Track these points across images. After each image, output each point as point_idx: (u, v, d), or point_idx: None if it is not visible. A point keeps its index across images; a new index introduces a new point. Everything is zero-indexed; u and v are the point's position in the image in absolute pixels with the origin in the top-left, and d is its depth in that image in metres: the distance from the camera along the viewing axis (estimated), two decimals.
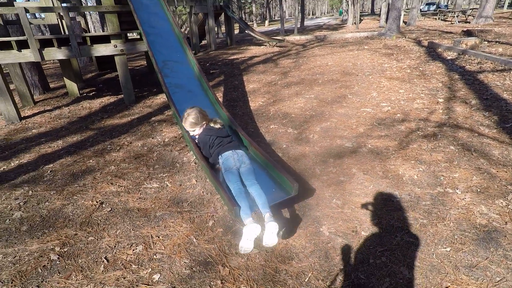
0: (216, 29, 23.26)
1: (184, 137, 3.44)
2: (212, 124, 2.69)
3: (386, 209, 2.37)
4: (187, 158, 3.46)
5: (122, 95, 6.06)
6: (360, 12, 30.26)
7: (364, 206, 2.43)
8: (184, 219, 2.46)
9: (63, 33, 6.86)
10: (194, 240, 2.22)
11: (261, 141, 3.76)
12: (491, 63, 5.72)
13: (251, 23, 39.01)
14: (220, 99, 5.65)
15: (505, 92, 4.30)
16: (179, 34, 4.56)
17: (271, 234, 1.93)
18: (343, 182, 2.77)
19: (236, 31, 23.12)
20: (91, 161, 3.57)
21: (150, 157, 3.59)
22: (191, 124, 2.67)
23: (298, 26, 20.68)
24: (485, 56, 6.11)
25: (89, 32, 10.50)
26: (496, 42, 7.94)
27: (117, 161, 3.55)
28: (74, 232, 2.36)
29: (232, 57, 9.92)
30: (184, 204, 2.67)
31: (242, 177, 2.33)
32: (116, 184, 3.04)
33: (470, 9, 18.56)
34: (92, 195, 2.86)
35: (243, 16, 37.95)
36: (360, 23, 20.90)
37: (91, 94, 6.89)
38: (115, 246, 2.20)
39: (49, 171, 3.36)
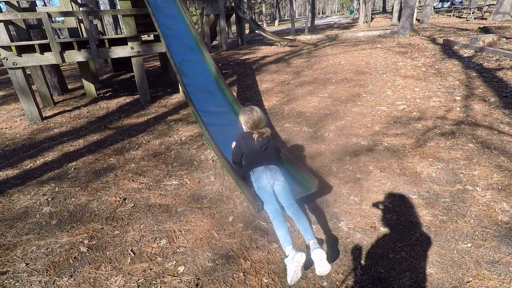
0: (227, 29, 23.42)
1: (204, 135, 3.52)
2: (256, 136, 2.22)
3: (405, 205, 2.38)
4: (205, 156, 3.54)
5: (138, 95, 6.20)
6: (372, 10, 29.92)
7: (382, 202, 2.45)
8: (205, 214, 2.54)
9: (81, 36, 7.07)
10: (215, 234, 2.29)
11: (277, 139, 3.80)
12: (510, 60, 5.60)
13: (261, 23, 39.08)
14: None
15: None
16: (195, 35, 4.65)
17: (321, 262, 1.72)
18: (360, 179, 2.79)
19: (247, 31, 23.20)
20: (111, 159, 3.69)
21: (168, 155, 3.68)
22: (251, 123, 2.21)
23: (309, 25, 20.61)
24: (503, 53, 5.98)
25: (105, 34, 10.76)
26: None
27: (136, 159, 3.66)
28: (101, 226, 2.46)
29: (243, 57, 9.99)
30: (203, 200, 2.74)
31: (277, 197, 2.09)
32: (137, 181, 3.15)
33: (487, 5, 18.11)
34: (115, 192, 2.96)
35: (253, 16, 38.06)
36: (371, 21, 20.68)
37: (107, 94, 7.08)
38: (140, 240, 2.28)
39: (72, 169, 3.49)
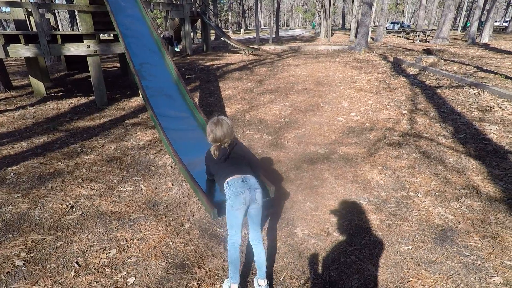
0: (192, 34, 23.13)
1: (162, 140, 3.41)
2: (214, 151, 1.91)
3: (356, 211, 2.52)
4: (163, 162, 3.44)
5: (94, 97, 5.85)
6: (332, 26, 31.64)
7: (336, 209, 2.57)
8: (160, 222, 2.45)
9: (30, 30, 6.52)
10: (170, 242, 2.22)
11: None
12: (448, 80, 6.27)
13: (226, 30, 39.25)
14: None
15: (459, 106, 4.73)
16: (157, 37, 4.53)
17: None
18: (316, 186, 2.90)
19: (212, 38, 23.16)
20: (59, 163, 3.42)
21: (124, 160, 3.51)
22: (212, 137, 1.90)
23: (273, 36, 21.18)
24: (442, 73, 6.68)
25: (58, 30, 10.04)
26: (452, 61, 8.69)
27: (88, 163, 3.44)
28: (42, 237, 2.26)
29: (208, 63, 9.94)
30: (159, 207, 2.65)
31: (248, 218, 1.85)
32: (87, 187, 2.95)
33: (429, 30, 20.12)
34: (61, 198, 2.75)
35: (219, 24, 38.15)
36: (331, 36, 21.85)
37: (59, 94, 6.58)
38: (87, 250, 2.14)
39: (12, 174, 3.17)
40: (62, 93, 6.74)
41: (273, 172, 3.18)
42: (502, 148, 3.36)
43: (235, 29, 46.13)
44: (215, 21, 24.64)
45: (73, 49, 5.04)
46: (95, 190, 2.89)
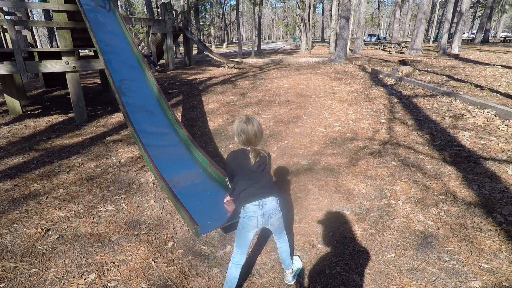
0: (174, 49, 23.19)
1: (143, 157, 3.35)
2: (250, 156, 1.71)
3: (340, 221, 2.55)
4: (145, 179, 3.37)
5: (73, 114, 5.71)
6: (312, 39, 32.57)
7: (320, 220, 2.59)
8: (142, 242, 2.38)
9: (5, 47, 6.35)
10: (153, 263, 2.15)
11: (221, 160, 3.81)
12: (422, 89, 6.55)
13: (209, 44, 39.63)
14: (179, 119, 5.62)
15: (433, 114, 4.93)
16: (137, 53, 4.52)
17: (289, 277, 1.96)
18: (300, 198, 2.92)
19: (195, 52, 23.31)
20: (35, 184, 3.29)
21: (104, 179, 3.42)
22: (245, 137, 1.70)
23: (255, 49, 21.54)
24: (417, 83, 6.97)
25: (36, 46, 9.83)
26: (425, 71, 9.11)
27: (66, 183, 3.32)
28: (14, 265, 2.14)
29: (190, 77, 9.96)
30: (141, 226, 2.58)
31: (270, 228, 1.82)
32: (65, 208, 2.84)
33: (404, 41, 21.09)
34: (36, 222, 2.63)
35: (202, 38, 38.50)
36: (312, 48, 22.46)
37: (36, 112, 6.39)
38: (63, 277, 2.04)
39: None
40: (39, 110, 6.55)
41: None
42: (475, 154, 3.51)
43: (218, 43, 46.65)
44: (197, 36, 24.86)
45: (51, 66, 4.93)
46: (73, 212, 2.79)
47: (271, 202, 1.71)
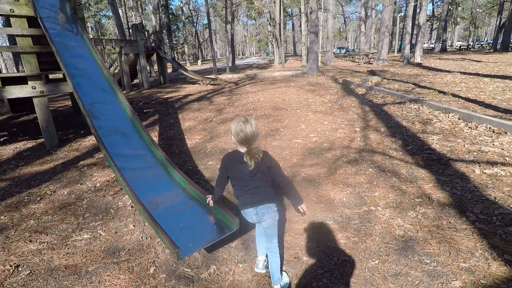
0: (148, 68, 22.98)
1: (118, 181, 3.24)
2: (246, 159, 1.82)
3: (323, 232, 2.57)
4: (123, 203, 3.25)
5: (43, 139, 5.45)
6: (285, 53, 33.53)
7: (303, 232, 2.59)
8: (122, 269, 2.27)
9: None
10: None
11: (200, 178, 3.76)
12: (391, 97, 6.88)
13: (183, 62, 39.67)
14: (156, 139, 5.52)
15: (404, 120, 5.18)
16: (108, 75, 4.44)
17: None
18: (282, 211, 2.92)
19: (170, 70, 23.23)
20: (2, 217, 3.08)
21: (79, 206, 3.26)
22: (243, 136, 1.81)
23: (230, 65, 21.83)
24: (386, 91, 7.33)
25: (0, 71, 9.40)
26: (393, 80, 9.61)
27: (37, 214, 3.13)
28: None
29: (166, 96, 9.87)
30: (121, 253, 2.47)
31: (264, 229, 2.01)
32: (36, 241, 2.67)
33: (371, 53, 22.23)
34: (4, 258, 2.44)
35: (176, 56, 38.53)
36: (285, 62, 23.09)
37: (1, 139, 6.03)
38: None
39: None
40: (5, 137, 6.19)
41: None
42: (444, 156, 3.70)
43: (192, 60, 46.80)
44: (171, 54, 24.85)
45: (16, 92, 4.72)
46: (46, 243, 2.63)
47: (264, 208, 1.89)
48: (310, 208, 2.93)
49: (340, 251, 2.31)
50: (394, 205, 2.84)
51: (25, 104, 8.15)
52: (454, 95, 6.63)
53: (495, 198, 2.76)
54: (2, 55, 35.81)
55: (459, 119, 4.90)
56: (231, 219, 2.15)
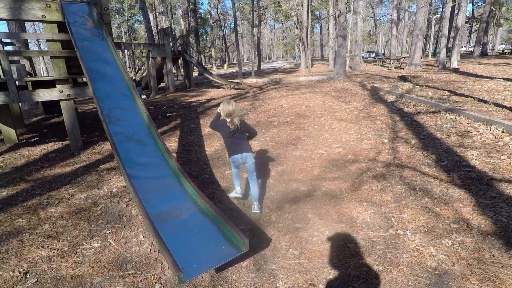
0: (175, 71, 23.57)
1: (129, 190, 3.18)
2: (229, 124, 2.86)
3: (342, 256, 2.32)
4: (136, 211, 3.19)
5: (69, 141, 5.62)
6: (311, 57, 33.05)
7: (321, 254, 2.36)
8: (127, 284, 2.18)
9: (1, 76, 6.38)
10: None
11: (216, 188, 3.63)
12: (424, 106, 6.40)
13: (210, 66, 40.37)
14: (176, 144, 5.49)
15: (438, 132, 4.75)
16: (128, 80, 4.46)
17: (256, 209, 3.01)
18: (299, 229, 2.71)
19: (196, 74, 23.65)
20: (20, 220, 3.12)
21: (93, 211, 3.24)
22: (225, 112, 2.84)
23: (255, 69, 21.80)
24: (418, 99, 6.84)
25: (35, 75, 9.96)
26: (426, 86, 9.00)
27: (53, 218, 3.15)
28: None
29: (190, 100, 9.96)
30: (128, 265, 2.38)
31: (246, 171, 3.07)
32: (47, 246, 2.65)
33: (403, 57, 21.23)
34: (15, 264, 2.44)
35: (203, 60, 39.31)
36: (312, 67, 22.68)
37: (32, 140, 6.31)
38: None
39: None
40: (35, 138, 6.48)
41: (254, 216, 2.98)
42: (486, 175, 3.30)
43: (219, 64, 47.55)
44: (198, 58, 25.32)
45: (45, 95, 4.89)
46: (56, 250, 2.60)
47: (246, 153, 2.94)
48: (329, 227, 2.69)
49: (361, 281, 2.06)
50: (426, 230, 2.53)
51: (56, 106, 8.53)
52: (496, 105, 6.03)
53: None
54: (43, 59, 38.34)
55: (503, 132, 4.40)
56: (240, 239, 1.98)
